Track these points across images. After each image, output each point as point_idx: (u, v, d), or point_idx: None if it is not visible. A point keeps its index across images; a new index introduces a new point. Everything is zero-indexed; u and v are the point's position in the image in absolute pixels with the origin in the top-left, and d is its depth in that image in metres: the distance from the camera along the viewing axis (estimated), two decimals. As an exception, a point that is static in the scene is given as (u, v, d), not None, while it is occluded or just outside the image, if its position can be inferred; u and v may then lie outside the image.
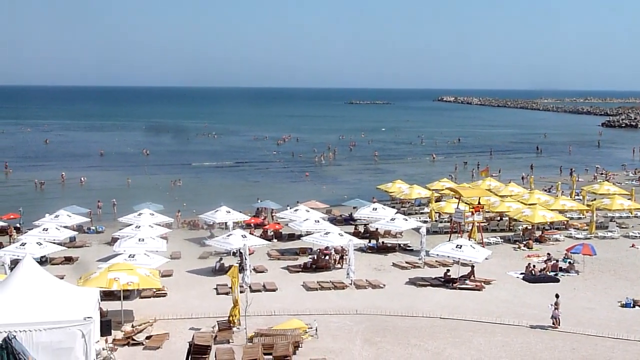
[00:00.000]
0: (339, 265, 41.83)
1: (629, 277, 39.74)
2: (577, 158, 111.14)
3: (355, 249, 39.72)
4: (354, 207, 58.07)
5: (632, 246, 47.75)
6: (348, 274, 37.69)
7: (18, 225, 52.65)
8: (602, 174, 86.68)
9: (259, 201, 61.54)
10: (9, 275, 27.58)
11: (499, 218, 56.24)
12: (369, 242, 48.13)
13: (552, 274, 39.63)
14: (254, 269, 39.49)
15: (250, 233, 46.30)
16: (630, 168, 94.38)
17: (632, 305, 33.65)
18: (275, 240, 49.97)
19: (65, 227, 48.21)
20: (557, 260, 41.61)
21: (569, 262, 41.14)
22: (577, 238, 49.53)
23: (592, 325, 30.43)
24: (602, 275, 40.10)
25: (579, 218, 57.75)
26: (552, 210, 52.35)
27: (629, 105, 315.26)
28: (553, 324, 30.26)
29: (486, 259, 38.82)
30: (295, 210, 53.54)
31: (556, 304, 30.52)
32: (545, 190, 67.00)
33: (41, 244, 40.87)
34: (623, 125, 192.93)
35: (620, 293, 35.79)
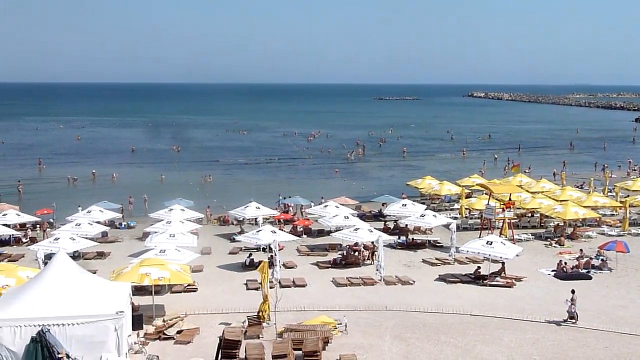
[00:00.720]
0: (369, 262, 41.78)
1: (664, 275, 39.23)
2: (610, 154, 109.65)
3: (384, 245, 39.66)
4: (384, 204, 57.91)
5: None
6: (377, 270, 37.60)
7: (51, 220, 53.36)
8: (634, 169, 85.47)
9: (281, 197, 61.71)
10: (43, 270, 27.95)
11: (530, 214, 55.76)
12: (399, 238, 47.99)
13: (584, 271, 39.17)
14: (283, 265, 39.58)
15: (279, 229, 46.38)
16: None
17: (666, 304, 33.27)
18: (304, 236, 50.05)
19: (97, 222, 48.72)
20: (590, 258, 41.13)
21: (602, 260, 40.64)
22: (610, 235, 48.87)
23: (625, 324, 30.06)
24: (635, 273, 39.50)
25: (612, 215, 56.96)
26: (584, 206, 51.69)
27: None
28: (571, 318, 30.09)
29: (517, 255, 38.49)
30: (325, 206, 53.58)
31: (572, 299, 30.32)
32: (578, 187, 66.16)
33: (74, 239, 41.25)
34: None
35: (654, 291, 35.40)
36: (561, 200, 53.36)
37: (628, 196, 58.00)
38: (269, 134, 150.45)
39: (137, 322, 28.94)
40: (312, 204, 58.11)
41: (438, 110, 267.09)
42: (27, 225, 51.28)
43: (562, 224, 50.15)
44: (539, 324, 30.16)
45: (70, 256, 29.91)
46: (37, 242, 44.67)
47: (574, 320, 30.04)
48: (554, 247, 46.34)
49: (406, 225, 50.21)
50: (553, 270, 39.27)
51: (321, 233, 50.75)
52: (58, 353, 23.91)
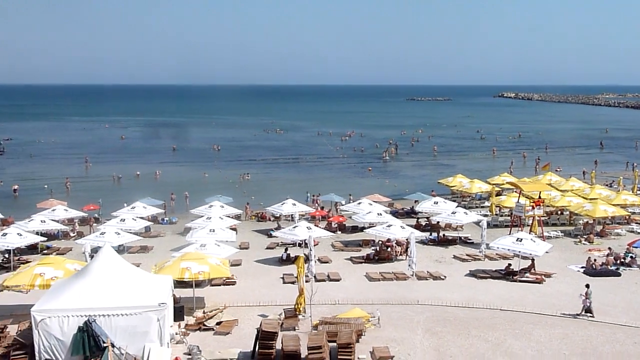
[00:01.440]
0: (401, 257, 41.67)
1: (693, 272, 38.53)
2: (637, 152, 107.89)
3: (416, 242, 39.52)
4: (416, 201, 57.79)
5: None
6: (410, 265, 37.49)
7: (97, 215, 54.07)
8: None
9: (309, 194, 61.74)
10: (90, 263, 28.27)
11: (559, 212, 55.13)
12: (430, 234, 47.78)
13: (613, 268, 38.63)
14: (318, 260, 39.67)
15: (315, 225, 46.47)
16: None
17: (695, 301, 32.68)
18: (339, 232, 50.13)
19: (140, 217, 49.31)
20: (619, 254, 40.53)
21: (631, 257, 39.99)
22: (639, 233, 48.26)
23: (654, 320, 29.63)
24: (664, 269, 38.93)
25: (641, 213, 56.18)
26: (613, 204, 51.06)
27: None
28: (587, 312, 29.85)
29: (547, 252, 38.06)
30: (359, 203, 53.57)
31: (586, 294, 30.07)
32: (607, 185, 65.30)
33: (119, 233, 41.77)
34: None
35: (684, 288, 34.80)
36: (590, 199, 52.83)
37: (657, 195, 57.21)
38: (304, 133, 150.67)
39: (179, 313, 29.22)
40: (351, 199, 58.45)
41: (469, 110, 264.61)
42: (74, 220, 52.01)
43: (592, 222, 49.51)
44: (568, 320, 29.77)
45: (115, 250, 30.22)
46: (84, 236, 45.20)
47: (589, 314, 29.79)
48: (583, 244, 45.83)
49: (438, 222, 50.02)
50: (582, 267, 38.79)
51: (355, 229, 50.75)
52: (103, 342, 24.20)
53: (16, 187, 71.70)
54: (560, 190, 57.33)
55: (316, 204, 60.10)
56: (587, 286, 30.56)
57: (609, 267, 38.67)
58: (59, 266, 30.85)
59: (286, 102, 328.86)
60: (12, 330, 27.86)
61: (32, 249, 43.58)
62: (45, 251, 44.07)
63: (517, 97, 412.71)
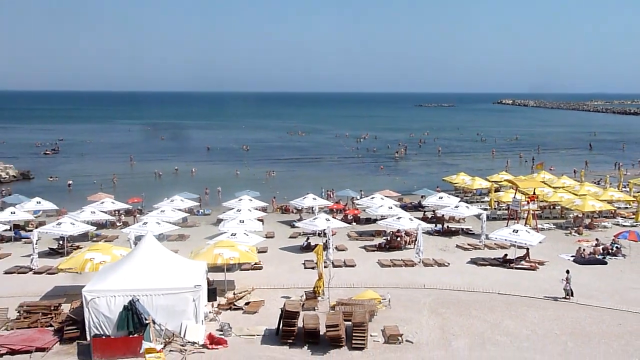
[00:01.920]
0: (409, 246, 41.57)
1: (673, 261, 38.15)
2: (625, 154, 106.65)
3: (423, 232, 39.43)
4: (422, 196, 57.71)
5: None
6: (417, 253, 37.48)
7: (140, 207, 54.48)
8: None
9: (323, 190, 61.73)
10: (134, 249, 28.58)
11: (552, 207, 54.79)
12: (436, 226, 47.62)
13: (600, 257, 38.36)
14: (336, 248, 39.64)
15: (332, 217, 46.49)
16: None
17: (674, 287, 32.37)
18: (354, 224, 50.10)
19: (178, 209, 49.59)
20: (605, 245, 40.22)
21: (616, 247, 39.64)
22: (624, 226, 47.85)
23: (637, 304, 29.31)
24: (647, 259, 38.60)
25: (626, 208, 55.53)
26: (601, 200, 50.66)
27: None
28: (565, 296, 29.88)
29: (540, 242, 37.84)
30: (372, 198, 53.56)
31: (566, 278, 30.17)
32: (595, 183, 64.75)
33: (159, 223, 42.03)
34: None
35: (664, 275, 34.48)
36: (580, 195, 52.42)
37: (640, 191, 56.77)
38: (324, 135, 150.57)
39: (212, 294, 29.47)
40: (362, 194, 58.54)
41: (471, 115, 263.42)
42: (120, 212, 52.46)
43: (581, 216, 49.13)
44: (559, 303, 29.60)
45: (156, 238, 30.45)
46: (128, 225, 45.61)
47: (569, 298, 29.82)
48: (573, 235, 45.50)
49: (442, 215, 49.79)
50: (572, 256, 38.51)
51: (368, 221, 50.68)
52: (145, 319, 24.43)
53: (70, 182, 72.48)
54: (553, 187, 56.93)
55: (330, 198, 60.12)
56: (567, 272, 30.67)
57: (596, 256, 38.40)
58: (107, 252, 31.22)
59: (307, 108, 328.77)
60: (66, 308, 28.15)
61: (84, 236, 43.97)
62: (94, 239, 44.50)
63: (515, 104, 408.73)
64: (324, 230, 40.02)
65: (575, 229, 46.94)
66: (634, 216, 50.68)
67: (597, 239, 41.97)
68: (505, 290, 31.55)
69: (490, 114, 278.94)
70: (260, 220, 46.27)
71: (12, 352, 23.96)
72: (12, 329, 26.37)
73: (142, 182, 74.18)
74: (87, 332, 24.62)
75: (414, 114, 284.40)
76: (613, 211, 52.50)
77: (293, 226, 48.27)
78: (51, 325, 26.56)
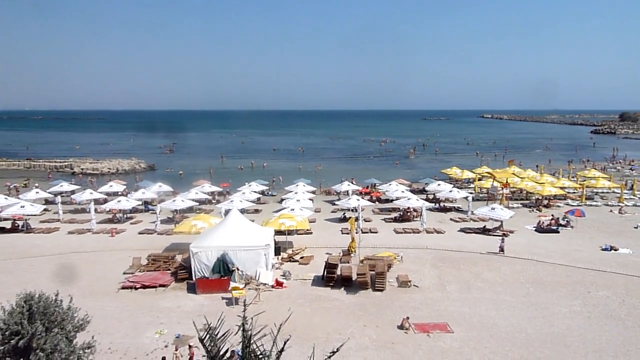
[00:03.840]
0: (416, 219, 41.25)
1: (608, 231, 36.86)
2: (574, 154, 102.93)
3: (426, 209, 39.07)
4: (426, 183, 56.84)
5: (610, 211, 44.24)
6: (422, 224, 37.24)
7: (228, 190, 55.20)
8: (590, 163, 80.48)
9: (342, 180, 61.07)
10: (224, 219, 29.11)
11: (519, 191, 53.50)
12: (435, 204, 47.09)
13: (554, 227, 37.43)
14: (364, 220, 39.62)
15: (362, 197, 46.40)
16: (609, 160, 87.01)
17: (609, 249, 31.38)
18: (377, 202, 49.88)
19: (254, 192, 50.01)
20: (558, 219, 39.22)
21: (567, 221, 38.64)
22: (572, 205, 46.46)
23: (581, 262, 28.65)
24: (588, 229, 37.38)
25: (574, 192, 53.90)
26: (555, 187, 49.38)
27: (609, 119, 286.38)
28: (499, 252, 30.23)
29: (510, 217, 37.12)
30: (389, 184, 53.11)
31: (502, 240, 31.00)
32: (551, 174, 62.90)
33: (241, 201, 42.46)
34: (606, 132, 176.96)
35: (601, 241, 33.32)
36: (540, 183, 51.10)
37: (585, 180, 54.96)
38: (355, 140, 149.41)
39: (277, 250, 29.90)
40: (378, 183, 58.09)
41: (461, 126, 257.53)
42: (215, 193, 53.19)
43: (541, 198, 47.95)
44: (523, 260, 29.09)
45: (240, 211, 30.97)
46: (220, 202, 46.27)
47: (503, 253, 30.09)
48: (535, 212, 44.43)
49: (440, 197, 49.24)
50: (534, 227, 37.72)
51: (387, 201, 50.35)
52: (232, 267, 24.95)
53: (181, 172, 73.76)
54: (520, 177, 55.63)
55: (349, 183, 59.35)
56: (503, 239, 31.30)
57: (552, 227, 37.48)
58: (206, 220, 31.85)
59: (341, 121, 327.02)
60: (179, 258, 28.91)
61: (190, 210, 44.77)
62: (197, 211, 45.22)
63: (493, 117, 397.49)
64: (356, 207, 40.01)
65: (536, 207, 45.83)
66: (579, 199, 49.25)
67: (552, 215, 40.91)
68: (485, 251, 31.14)
69: (475, 125, 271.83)
70: (311, 199, 46.49)
71: (144, 287, 24.80)
72: (144, 271, 27.31)
73: (229, 172, 74.86)
74: (193, 275, 25.29)
75: (420, 125, 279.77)
76: (564, 195, 51.04)
77: (333, 204, 48.35)
78: (169, 269, 27.34)
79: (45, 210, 43.81)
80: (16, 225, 38.46)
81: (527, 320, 20.80)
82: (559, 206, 46.88)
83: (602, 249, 31.64)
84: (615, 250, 31.34)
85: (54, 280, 25.60)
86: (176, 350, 16.86)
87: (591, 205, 47.31)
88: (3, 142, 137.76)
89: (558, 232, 36.58)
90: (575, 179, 58.63)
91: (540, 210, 44.75)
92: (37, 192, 47.55)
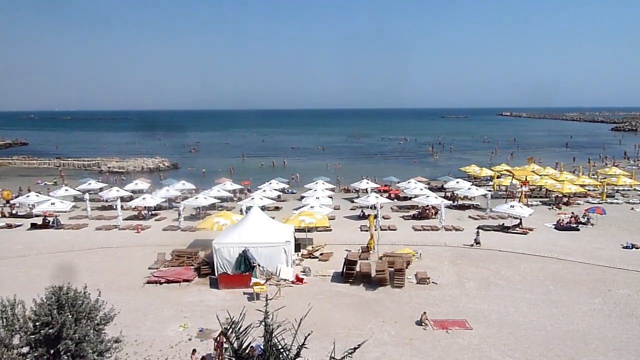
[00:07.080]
0: (435, 216, 40.95)
1: (629, 229, 36.02)
2: (594, 151, 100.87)
3: (445, 206, 38.75)
4: (444, 181, 56.38)
5: (632, 209, 43.28)
6: (440, 221, 36.92)
7: (249, 188, 55.51)
8: (611, 160, 78.74)
9: (362, 178, 60.92)
10: (245, 216, 29.31)
11: (539, 189, 52.68)
12: (454, 202, 46.67)
13: (574, 225, 36.73)
14: (382, 217, 39.46)
15: (380, 195, 46.22)
16: (632, 158, 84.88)
17: (630, 247, 30.67)
18: (395, 200, 49.62)
19: (274, 189, 50.14)
20: (578, 216, 38.44)
21: (587, 219, 37.91)
22: (592, 203, 45.59)
23: (601, 259, 28.08)
24: (609, 227, 36.59)
25: (594, 190, 52.81)
26: (575, 184, 48.52)
27: (630, 116, 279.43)
28: (474, 244, 30.82)
29: (530, 215, 36.58)
30: (408, 182, 52.75)
31: (477, 233, 31.90)
32: (571, 172, 61.73)
33: (262, 198, 42.73)
34: (627, 129, 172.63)
35: (622, 239, 32.61)
36: (560, 180, 50.21)
37: (605, 178, 53.94)
38: (373, 139, 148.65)
39: (297, 247, 29.96)
40: (395, 181, 57.71)
41: (479, 124, 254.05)
42: (236, 190, 53.54)
43: (560, 196, 47.11)
44: (543, 258, 28.64)
45: (260, 208, 31.09)
46: (241, 200, 46.54)
47: (479, 245, 30.70)
48: (555, 210, 43.69)
49: (458, 194, 48.76)
50: (553, 224, 37.12)
51: (406, 198, 50.09)
52: (253, 262, 25.11)
53: (204, 170, 74.46)
54: (540, 175, 54.76)
55: (368, 181, 59.18)
56: (478, 232, 32.40)
57: (571, 225, 36.80)
58: (228, 217, 32.01)
59: (361, 120, 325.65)
60: (202, 254, 29.21)
61: (212, 207, 45.24)
62: (219, 208, 45.68)
63: (512, 115, 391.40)
64: (374, 204, 39.87)
65: (556, 205, 45.04)
66: (599, 196, 48.28)
67: (572, 212, 40.19)
68: (504, 248, 30.76)
69: (494, 123, 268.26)
70: (330, 197, 46.52)
71: (168, 282, 25.14)
72: (168, 266, 27.67)
73: (250, 170, 75.18)
74: (216, 270, 25.52)
75: (438, 123, 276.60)
76: (584, 192, 50.09)
77: (352, 201, 48.27)
78: (192, 265, 27.65)
79: (74, 207, 44.69)
80: (47, 221, 39.38)
81: (546, 318, 20.49)
82: (579, 204, 46.01)
83: (624, 247, 30.93)
84: (637, 248, 30.62)
85: (83, 274, 26.14)
86: (193, 354, 16.72)
87: (612, 203, 46.33)
88: (34, 141, 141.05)
89: (578, 229, 35.87)
90: (596, 176, 57.48)
91: (560, 208, 43.97)
92: (66, 190, 48.60)
